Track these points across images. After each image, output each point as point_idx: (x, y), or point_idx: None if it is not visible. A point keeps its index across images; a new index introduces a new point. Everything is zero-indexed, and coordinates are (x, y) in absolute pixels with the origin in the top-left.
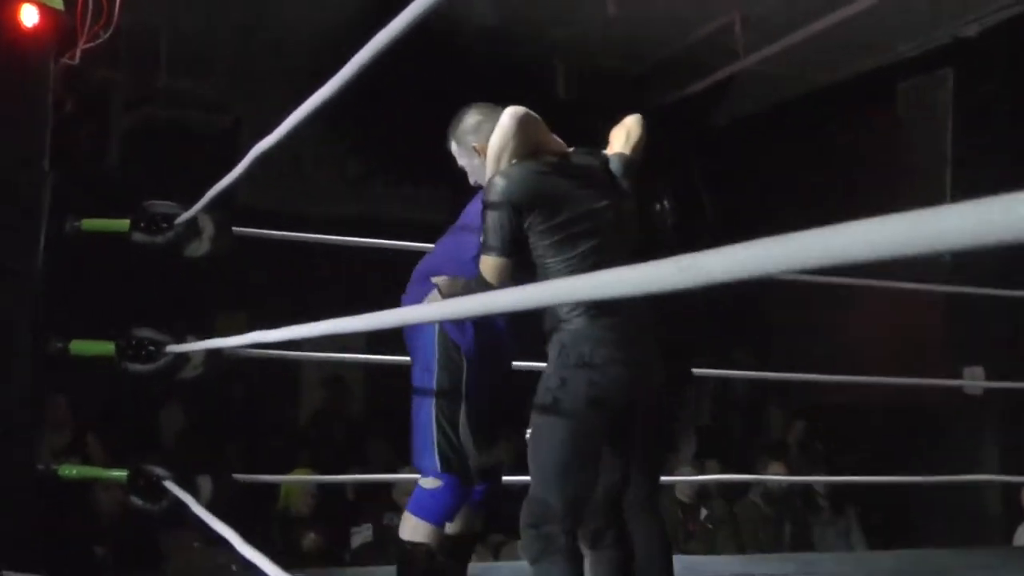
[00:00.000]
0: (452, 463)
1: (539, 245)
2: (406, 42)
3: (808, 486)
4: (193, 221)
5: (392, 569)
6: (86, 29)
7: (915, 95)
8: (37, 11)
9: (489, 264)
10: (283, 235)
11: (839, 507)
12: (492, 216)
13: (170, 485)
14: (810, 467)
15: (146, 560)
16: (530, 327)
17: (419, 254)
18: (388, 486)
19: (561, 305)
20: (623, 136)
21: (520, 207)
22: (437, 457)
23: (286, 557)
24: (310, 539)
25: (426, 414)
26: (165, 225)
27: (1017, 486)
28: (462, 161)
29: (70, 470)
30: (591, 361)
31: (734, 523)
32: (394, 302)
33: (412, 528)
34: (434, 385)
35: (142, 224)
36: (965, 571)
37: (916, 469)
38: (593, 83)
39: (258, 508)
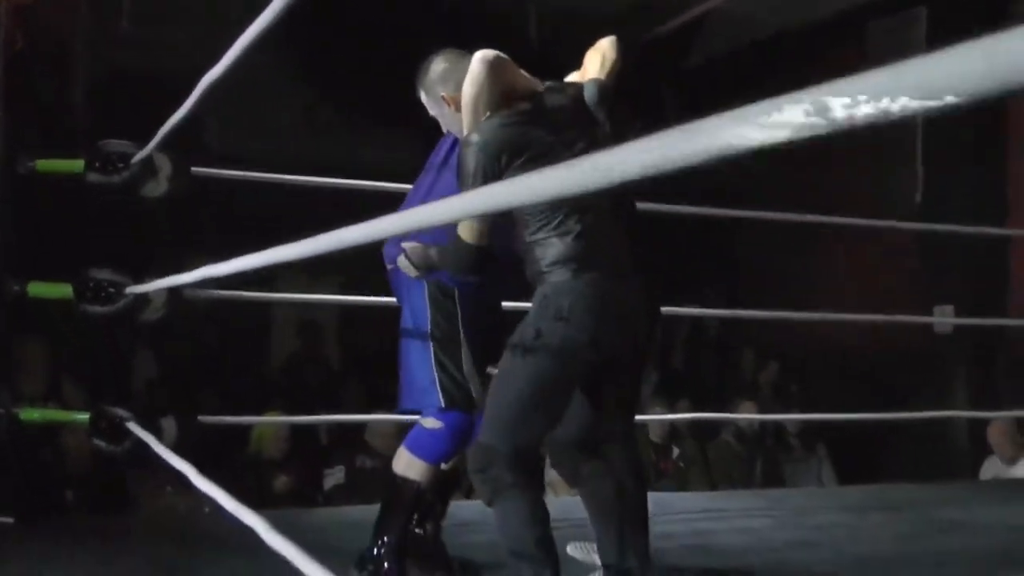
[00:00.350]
0: (456, 399)
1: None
2: None
3: (780, 425)
4: (149, 160)
5: (363, 508)
6: None
7: (887, 34)
8: None
9: (466, 224)
10: (240, 175)
11: (810, 445)
12: (469, 176)
13: (133, 427)
14: (783, 407)
15: (117, 504)
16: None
17: (388, 195)
18: (361, 428)
19: (543, 257)
20: (598, 60)
21: (497, 166)
22: (440, 395)
23: (258, 499)
24: (282, 481)
25: (421, 354)
26: (121, 165)
27: (984, 422)
28: (433, 111)
29: (32, 414)
30: (569, 316)
31: (706, 462)
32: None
33: (406, 464)
34: (428, 326)
35: (97, 164)
36: (928, 504)
37: (887, 407)
38: (566, 24)
39: (230, 452)
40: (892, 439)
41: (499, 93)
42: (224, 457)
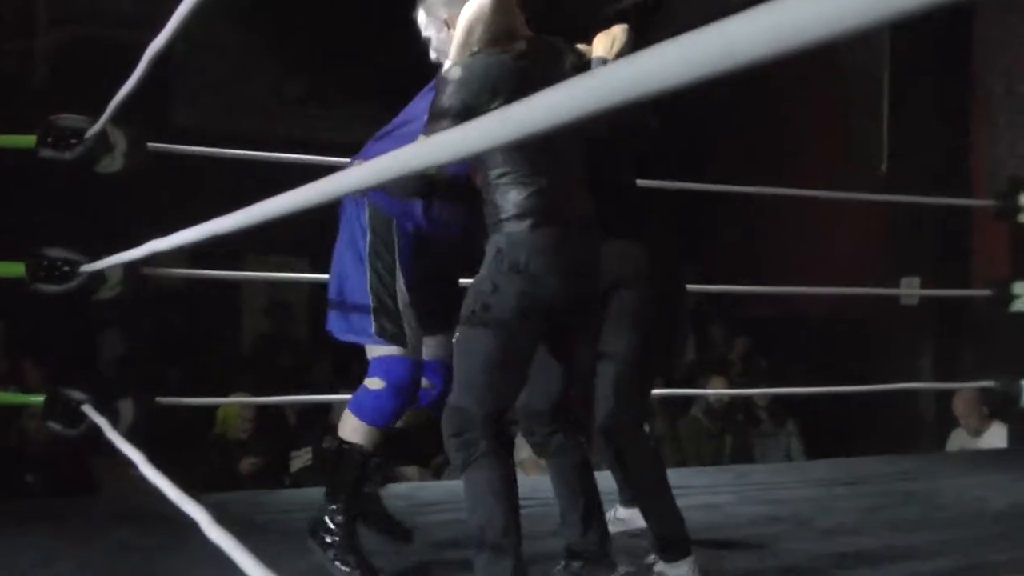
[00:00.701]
0: (388, 331)
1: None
2: None
3: (749, 401)
4: (103, 136)
5: None
6: None
7: None
8: None
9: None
10: (199, 151)
11: (780, 420)
12: (445, 100)
13: (88, 410)
14: (752, 383)
15: (78, 486)
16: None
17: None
18: (329, 409)
19: (502, 204)
20: (608, 42)
21: (474, 106)
22: (373, 322)
23: (224, 481)
24: (248, 463)
25: (356, 280)
26: (75, 140)
27: (950, 393)
28: (427, 32)
29: None
30: (526, 269)
31: (676, 439)
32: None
33: (351, 429)
34: (366, 251)
35: (50, 139)
36: (894, 477)
37: (856, 380)
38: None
39: (199, 433)
40: (861, 412)
41: (498, 29)
42: (192, 438)
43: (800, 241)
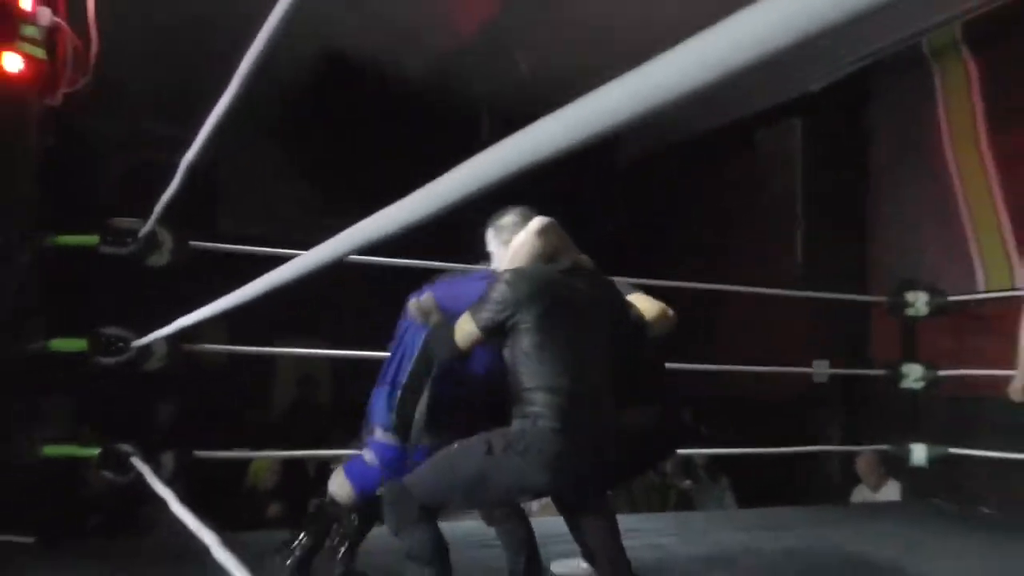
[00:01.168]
0: (399, 425)
1: (521, 331)
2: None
3: (690, 459)
4: (152, 235)
5: None
6: (66, 75)
7: (770, 141)
8: (21, 59)
9: (465, 327)
10: (231, 248)
11: (715, 477)
12: (492, 299)
13: (135, 461)
14: (693, 446)
15: (132, 528)
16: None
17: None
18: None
19: (533, 400)
20: (659, 312)
21: (515, 299)
22: (390, 413)
23: (252, 524)
24: (273, 508)
25: (393, 378)
26: (129, 239)
27: (853, 455)
28: (491, 247)
29: (53, 450)
30: (546, 463)
31: (629, 491)
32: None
33: (338, 484)
34: (410, 364)
35: (109, 238)
36: (808, 524)
37: (777, 444)
38: (514, 128)
39: (233, 485)
40: (781, 470)
41: (542, 251)
42: (227, 490)
43: (732, 328)
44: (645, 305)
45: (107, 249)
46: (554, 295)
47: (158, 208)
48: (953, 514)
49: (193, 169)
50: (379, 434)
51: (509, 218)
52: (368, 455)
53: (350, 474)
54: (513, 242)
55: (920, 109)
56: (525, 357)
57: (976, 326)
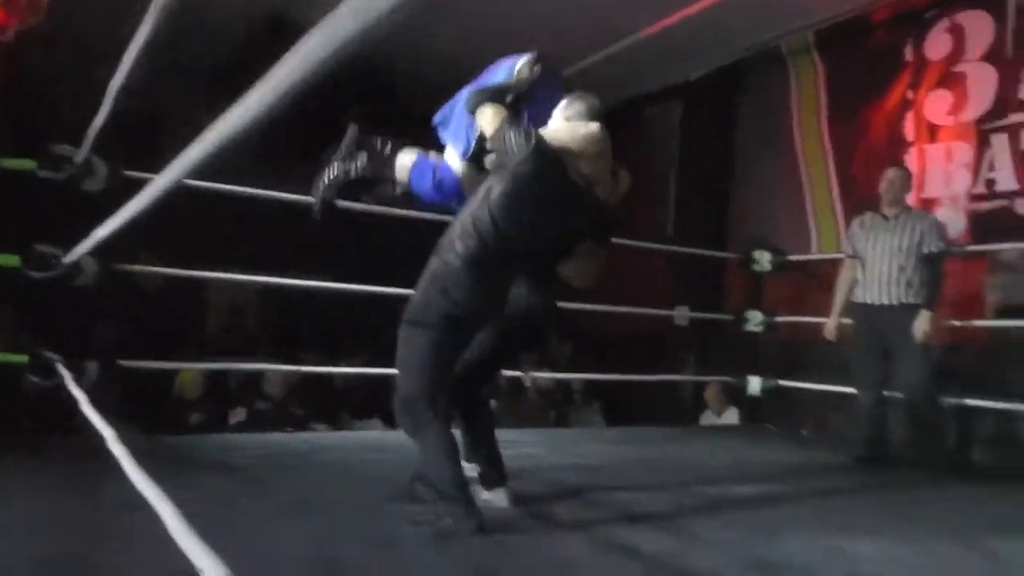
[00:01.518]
0: (467, 152)
1: (506, 182)
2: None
3: (568, 384)
4: (87, 161)
5: (258, 436)
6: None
7: (656, 117)
8: None
9: (488, 114)
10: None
11: (589, 400)
12: (514, 138)
13: (59, 367)
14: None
15: (62, 429)
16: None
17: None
18: (259, 378)
19: (452, 248)
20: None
21: (523, 172)
22: (469, 144)
23: (176, 430)
24: (195, 417)
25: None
26: (67, 165)
27: (703, 384)
28: (557, 111)
29: None
30: (455, 298)
31: (515, 412)
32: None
33: (403, 166)
34: (468, 134)
35: (46, 163)
36: (663, 440)
37: (642, 374)
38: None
39: (162, 393)
40: (645, 396)
41: (575, 149)
42: (156, 401)
43: (617, 279)
44: (587, 268)
45: (44, 173)
46: (551, 178)
47: (89, 134)
48: (780, 435)
49: (123, 95)
50: (454, 160)
51: (583, 106)
52: (438, 161)
53: (417, 168)
54: (569, 124)
55: (778, 100)
56: (493, 206)
57: (811, 283)
